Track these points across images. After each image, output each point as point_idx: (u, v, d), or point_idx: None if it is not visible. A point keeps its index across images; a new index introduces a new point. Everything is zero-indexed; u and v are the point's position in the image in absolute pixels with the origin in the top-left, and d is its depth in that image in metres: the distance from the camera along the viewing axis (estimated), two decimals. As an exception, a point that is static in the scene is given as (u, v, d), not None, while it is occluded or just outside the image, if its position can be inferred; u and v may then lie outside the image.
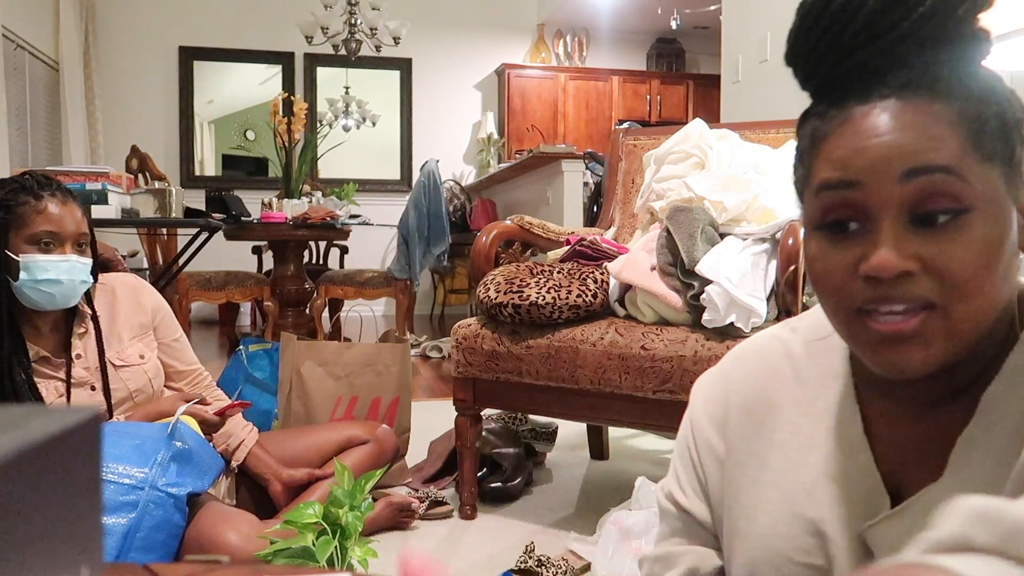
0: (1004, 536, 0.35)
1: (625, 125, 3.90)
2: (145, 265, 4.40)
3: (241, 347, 2.34)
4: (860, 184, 0.53)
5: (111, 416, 1.48)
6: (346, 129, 6.51)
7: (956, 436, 0.57)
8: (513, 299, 1.70)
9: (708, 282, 1.52)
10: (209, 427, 1.56)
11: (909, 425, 0.61)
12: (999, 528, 0.35)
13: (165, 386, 1.62)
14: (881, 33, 0.52)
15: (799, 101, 0.64)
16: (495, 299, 1.72)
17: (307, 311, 4.31)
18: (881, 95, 0.53)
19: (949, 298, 0.51)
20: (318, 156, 5.62)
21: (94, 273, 1.46)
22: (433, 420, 2.47)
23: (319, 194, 4.51)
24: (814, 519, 0.63)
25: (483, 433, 1.97)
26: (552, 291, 1.69)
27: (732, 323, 1.50)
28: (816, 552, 0.62)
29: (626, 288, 1.71)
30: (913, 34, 0.52)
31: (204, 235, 3.38)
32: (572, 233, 2.10)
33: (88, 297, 1.50)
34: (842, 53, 0.54)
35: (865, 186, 0.53)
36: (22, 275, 1.36)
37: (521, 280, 1.74)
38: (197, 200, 3.74)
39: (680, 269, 1.59)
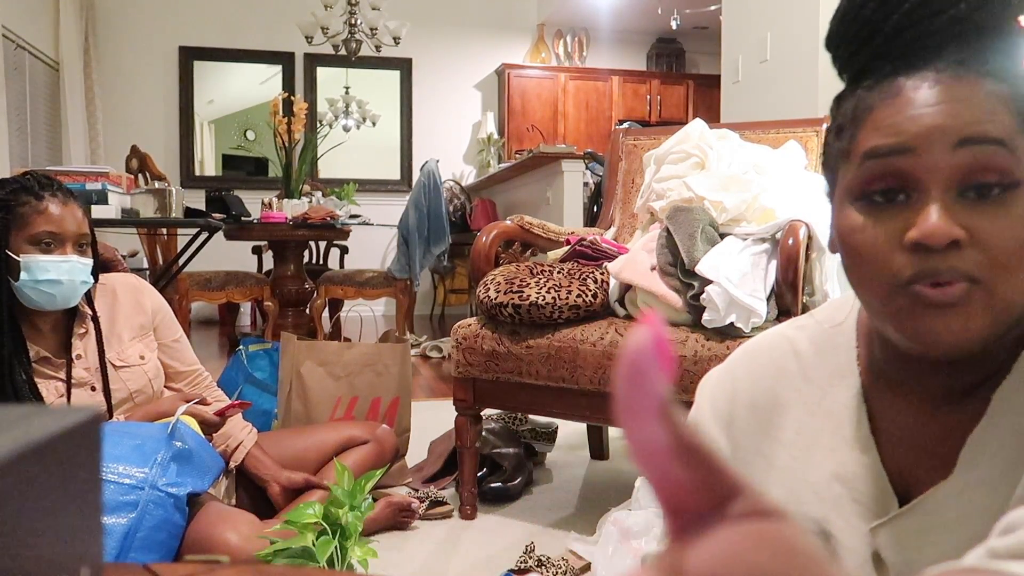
0: None
1: (625, 125, 3.90)
2: (145, 265, 4.40)
3: (241, 347, 2.34)
4: (913, 150, 0.52)
5: (111, 416, 1.48)
6: (346, 129, 6.52)
7: (966, 436, 0.56)
8: (513, 299, 1.70)
9: (708, 282, 1.52)
10: (209, 427, 1.56)
11: (918, 424, 0.60)
12: None
13: (165, 386, 1.62)
14: (939, 10, 0.52)
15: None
16: (495, 299, 1.72)
17: (307, 311, 4.31)
18: (936, 68, 0.52)
19: (993, 272, 0.50)
20: (318, 156, 5.61)
21: (95, 273, 1.46)
22: (433, 420, 2.47)
23: (319, 194, 4.51)
24: (820, 519, 0.62)
25: (483, 433, 1.97)
26: (552, 291, 1.69)
27: (732, 323, 1.50)
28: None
29: (626, 288, 1.71)
30: (968, 17, 0.52)
31: (204, 235, 3.38)
32: (572, 233, 2.10)
33: (88, 297, 1.50)
34: (898, 26, 0.53)
35: (917, 152, 0.52)
36: (23, 275, 1.36)
37: (521, 280, 1.74)
38: (197, 200, 3.74)
39: (680, 269, 1.59)
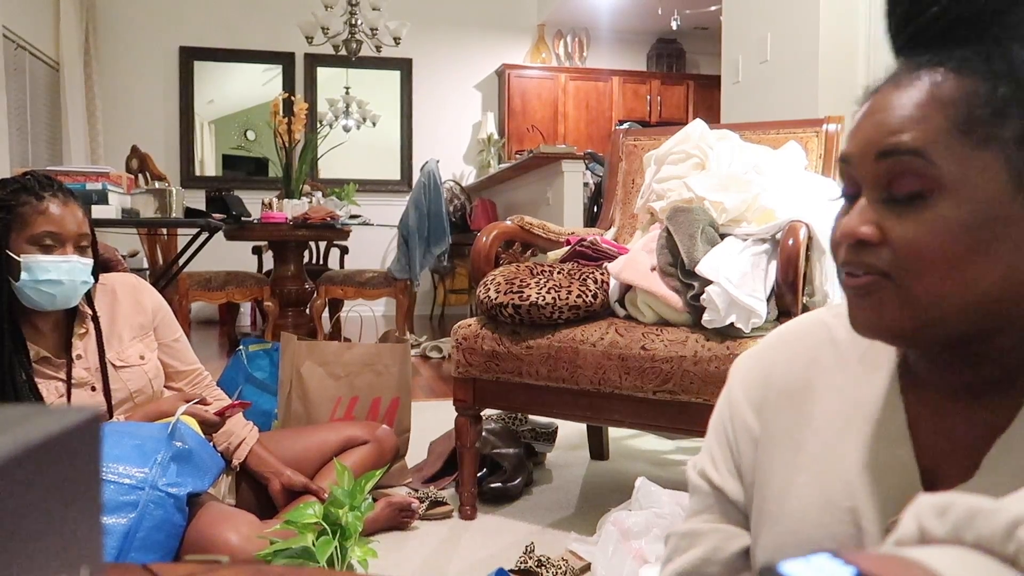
0: (954, 525, 0.37)
1: (625, 125, 3.90)
2: (145, 265, 4.40)
3: (241, 347, 2.34)
4: (850, 160, 0.58)
5: (111, 416, 1.48)
6: (346, 129, 6.52)
7: (995, 436, 0.56)
8: (513, 299, 1.70)
9: (708, 282, 1.52)
10: (209, 427, 1.56)
11: (950, 419, 0.59)
12: (949, 517, 0.37)
13: (165, 386, 1.62)
14: (929, 5, 0.55)
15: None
16: (495, 299, 1.72)
17: (307, 311, 4.31)
18: (916, 65, 0.56)
19: (900, 271, 0.54)
20: (318, 156, 5.62)
21: (95, 273, 1.46)
22: (433, 420, 2.47)
23: (319, 194, 4.51)
24: (849, 508, 0.62)
25: (483, 433, 1.97)
26: (552, 291, 1.69)
27: (732, 323, 1.50)
28: (848, 541, 0.62)
29: (626, 288, 1.71)
30: (950, 10, 0.54)
31: (204, 235, 3.38)
32: (572, 233, 2.10)
33: (88, 297, 1.50)
34: (901, 21, 0.57)
35: (853, 162, 0.58)
36: (23, 275, 1.36)
37: (521, 280, 1.74)
38: (197, 200, 3.74)
39: (680, 269, 1.59)
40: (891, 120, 0.54)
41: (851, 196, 0.59)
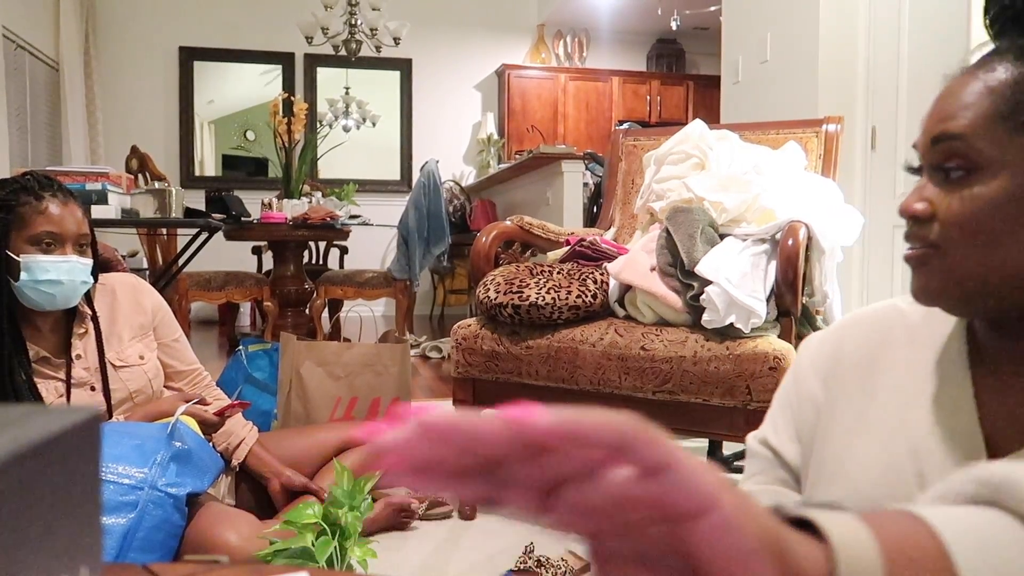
0: (992, 488, 0.39)
1: (625, 126, 3.90)
2: (145, 265, 4.40)
3: (241, 347, 2.34)
4: (917, 143, 0.64)
5: (111, 416, 1.48)
6: (346, 129, 6.52)
7: None
8: (513, 299, 1.70)
9: (708, 283, 1.52)
10: (209, 427, 1.56)
11: (1013, 391, 0.62)
12: (989, 481, 0.39)
13: (165, 386, 1.62)
14: None
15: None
16: (495, 299, 1.72)
17: (307, 311, 4.31)
18: (990, 53, 0.61)
19: (946, 241, 0.60)
20: (318, 156, 5.62)
21: (94, 273, 1.46)
22: (433, 420, 2.46)
23: (319, 194, 4.51)
24: (915, 471, 0.64)
25: (483, 433, 1.96)
26: (552, 292, 1.69)
27: (732, 323, 1.50)
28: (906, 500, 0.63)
29: (626, 289, 1.71)
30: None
31: (204, 235, 3.38)
32: (572, 234, 2.10)
33: (88, 297, 1.50)
34: (993, 12, 0.62)
35: (918, 145, 0.64)
36: (23, 275, 1.36)
37: (521, 281, 1.74)
38: (197, 200, 3.74)
39: (680, 270, 1.59)
40: (946, 108, 0.60)
41: (919, 172, 0.65)
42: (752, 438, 0.79)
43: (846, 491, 0.67)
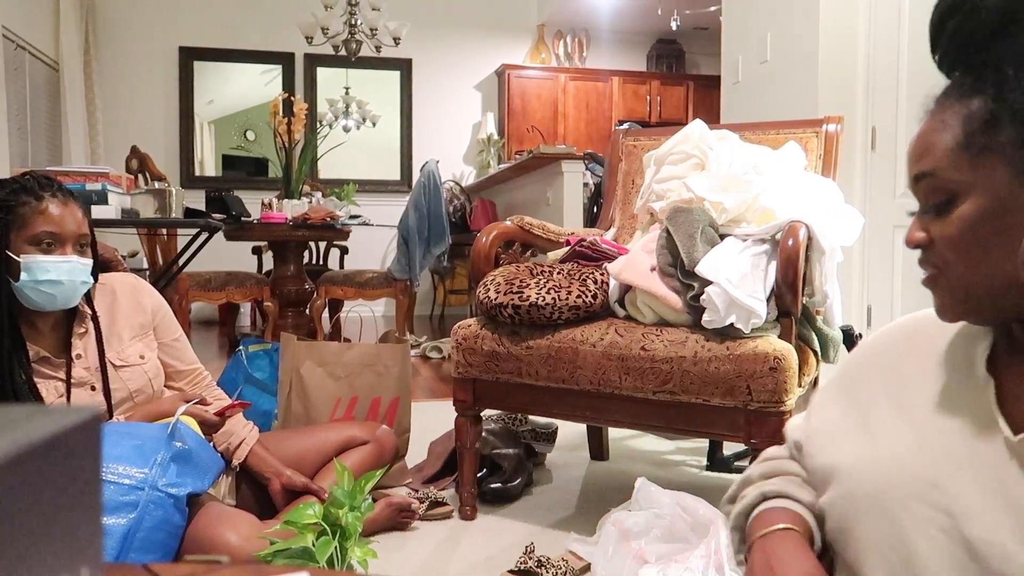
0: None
1: (625, 126, 3.89)
2: (145, 265, 4.40)
3: (241, 347, 2.34)
4: (908, 182, 0.71)
5: (111, 416, 1.48)
6: (346, 129, 6.52)
7: None
8: (513, 300, 1.70)
9: (708, 283, 1.52)
10: (209, 427, 1.56)
11: None
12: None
13: (165, 386, 1.62)
14: (943, 18, 0.66)
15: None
16: (495, 300, 1.72)
17: (307, 311, 4.31)
18: (940, 94, 0.68)
19: (945, 262, 0.68)
20: (318, 156, 5.62)
21: (94, 273, 1.46)
22: (433, 420, 2.47)
23: (319, 194, 4.51)
24: (940, 439, 0.69)
25: (483, 434, 1.97)
26: (552, 292, 1.69)
27: (732, 324, 1.50)
28: (936, 501, 0.68)
29: (626, 289, 1.71)
30: (964, 26, 0.65)
31: (204, 235, 3.38)
32: (572, 234, 2.10)
33: (88, 297, 1.50)
34: (934, 37, 0.68)
35: (908, 183, 0.71)
36: (23, 276, 1.36)
37: (521, 281, 1.74)
38: (197, 200, 3.74)
39: (680, 270, 1.59)
40: (917, 149, 0.69)
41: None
42: (788, 424, 0.92)
43: (859, 482, 0.73)
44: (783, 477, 0.84)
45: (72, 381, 1.45)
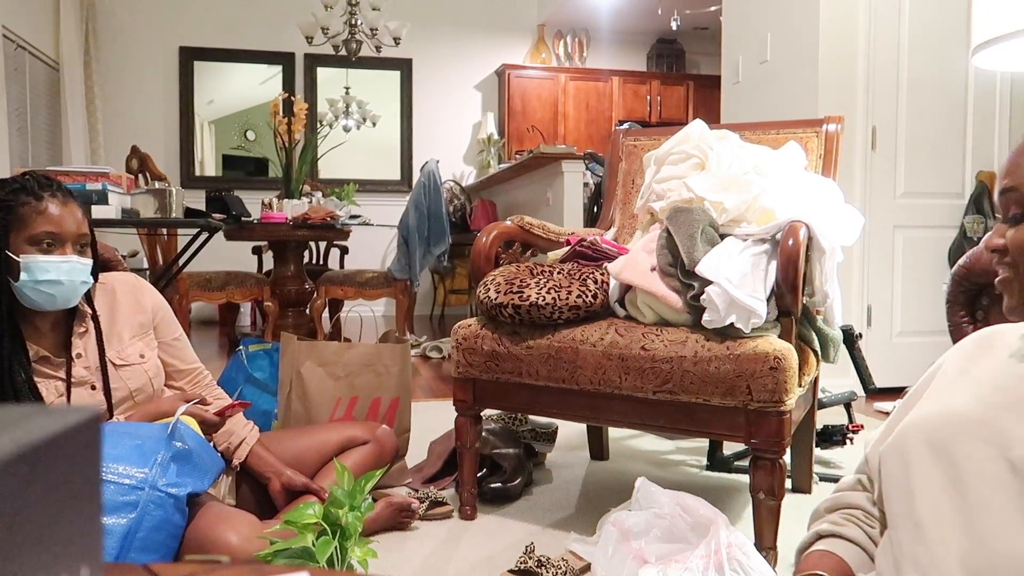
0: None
1: (625, 126, 3.90)
2: (145, 265, 4.40)
3: (241, 347, 2.34)
4: (995, 194, 0.83)
5: (111, 416, 1.48)
6: (346, 129, 6.52)
7: None
8: (513, 300, 1.70)
9: (708, 283, 1.52)
10: (209, 427, 1.56)
11: None
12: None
13: (165, 385, 1.62)
14: None
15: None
16: (495, 300, 1.72)
17: (307, 311, 4.31)
18: None
19: (1017, 266, 0.79)
20: (318, 156, 5.62)
21: (94, 273, 1.46)
22: (433, 420, 2.47)
23: (319, 194, 4.51)
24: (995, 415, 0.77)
25: (483, 434, 1.97)
26: (552, 292, 1.69)
27: (732, 324, 1.50)
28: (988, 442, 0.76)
29: (626, 289, 1.71)
30: None
31: (204, 235, 3.38)
32: (572, 234, 2.10)
33: (88, 297, 1.50)
34: None
35: (995, 195, 0.83)
36: (23, 276, 1.36)
37: (521, 281, 1.74)
38: (197, 200, 3.74)
39: (680, 270, 1.59)
40: (1008, 166, 0.81)
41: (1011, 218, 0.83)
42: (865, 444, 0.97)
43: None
44: (842, 512, 0.92)
45: (72, 380, 1.45)
